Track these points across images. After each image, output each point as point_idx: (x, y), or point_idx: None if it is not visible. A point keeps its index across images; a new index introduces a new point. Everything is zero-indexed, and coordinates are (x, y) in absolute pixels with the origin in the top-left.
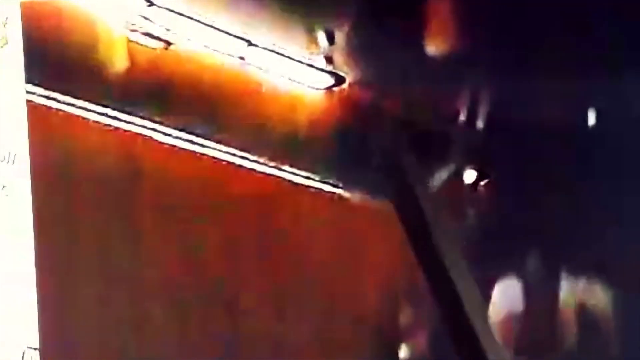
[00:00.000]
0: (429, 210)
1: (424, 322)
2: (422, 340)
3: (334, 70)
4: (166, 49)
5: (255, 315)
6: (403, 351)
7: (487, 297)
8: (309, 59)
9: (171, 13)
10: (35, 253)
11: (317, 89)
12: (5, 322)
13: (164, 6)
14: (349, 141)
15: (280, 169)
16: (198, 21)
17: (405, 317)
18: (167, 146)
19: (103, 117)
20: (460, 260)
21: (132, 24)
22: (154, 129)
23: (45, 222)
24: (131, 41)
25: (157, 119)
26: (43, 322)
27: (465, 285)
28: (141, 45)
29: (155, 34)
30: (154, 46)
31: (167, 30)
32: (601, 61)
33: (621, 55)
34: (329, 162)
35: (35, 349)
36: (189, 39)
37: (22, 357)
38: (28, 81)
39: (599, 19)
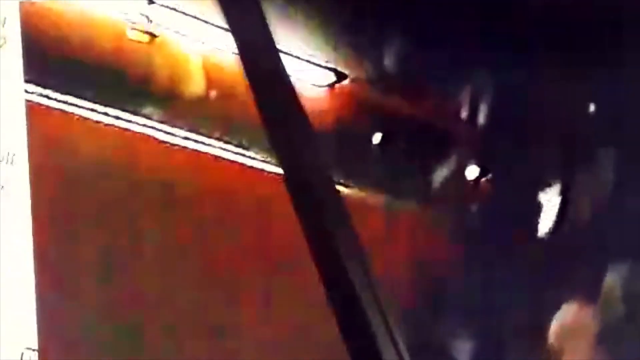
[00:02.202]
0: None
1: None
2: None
3: (335, 67)
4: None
5: (255, 315)
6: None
7: (485, 295)
8: (310, 55)
9: (172, 11)
10: (34, 253)
11: (318, 85)
12: (4, 322)
13: (164, 4)
14: (351, 138)
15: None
16: (199, 19)
17: (408, 317)
18: (167, 145)
19: (103, 116)
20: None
21: (133, 23)
22: (154, 128)
23: (45, 223)
24: (131, 39)
25: (158, 117)
26: (42, 322)
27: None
28: (142, 43)
29: (157, 33)
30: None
31: (168, 28)
32: (602, 58)
33: (623, 52)
34: (332, 159)
35: (34, 349)
36: (190, 37)
37: (21, 358)
38: (27, 81)
39: (600, 16)
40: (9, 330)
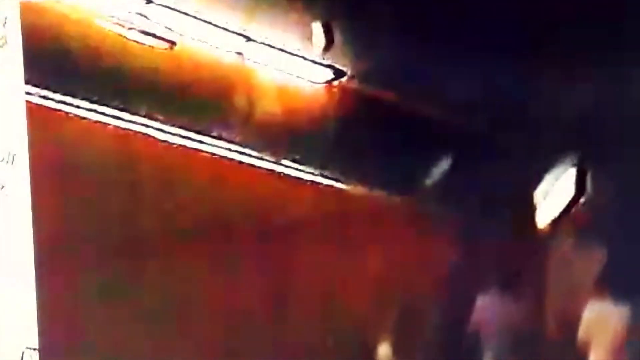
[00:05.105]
0: None
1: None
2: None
3: (333, 64)
4: (172, 48)
5: (252, 314)
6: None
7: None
8: (308, 53)
9: (169, 10)
10: (35, 253)
11: (316, 83)
12: (5, 322)
13: (162, 4)
14: (349, 135)
15: (279, 164)
16: (196, 18)
17: (404, 318)
18: (167, 144)
19: (103, 116)
20: None
21: (131, 23)
22: (154, 127)
23: (45, 222)
24: (130, 39)
25: (157, 117)
26: (43, 322)
27: None
28: (141, 44)
29: (154, 32)
30: (153, 44)
31: (166, 27)
32: (607, 51)
33: (628, 46)
34: (329, 156)
35: (34, 349)
36: (188, 37)
37: (22, 357)
38: (27, 81)
39: (607, 9)
40: (10, 330)
